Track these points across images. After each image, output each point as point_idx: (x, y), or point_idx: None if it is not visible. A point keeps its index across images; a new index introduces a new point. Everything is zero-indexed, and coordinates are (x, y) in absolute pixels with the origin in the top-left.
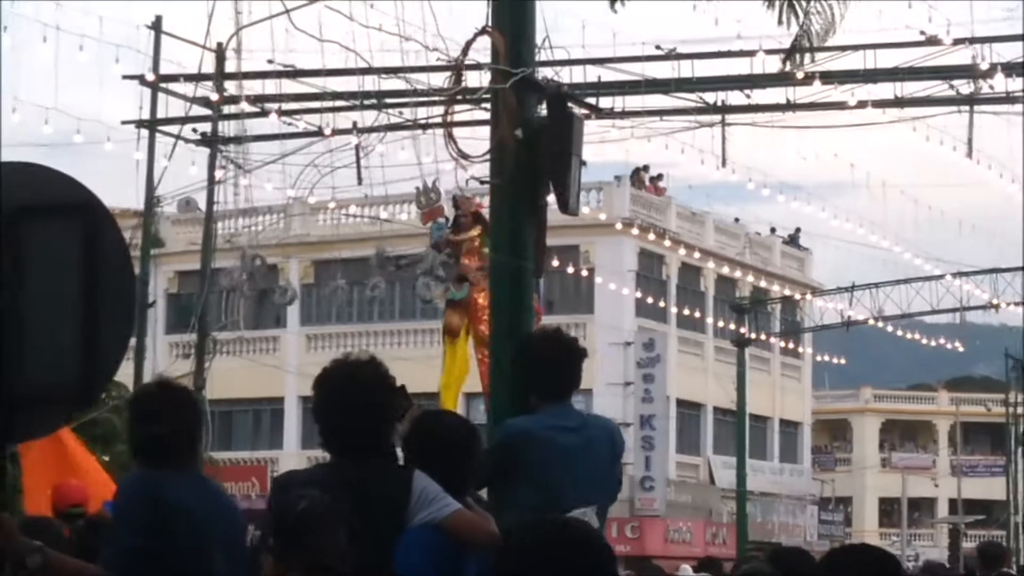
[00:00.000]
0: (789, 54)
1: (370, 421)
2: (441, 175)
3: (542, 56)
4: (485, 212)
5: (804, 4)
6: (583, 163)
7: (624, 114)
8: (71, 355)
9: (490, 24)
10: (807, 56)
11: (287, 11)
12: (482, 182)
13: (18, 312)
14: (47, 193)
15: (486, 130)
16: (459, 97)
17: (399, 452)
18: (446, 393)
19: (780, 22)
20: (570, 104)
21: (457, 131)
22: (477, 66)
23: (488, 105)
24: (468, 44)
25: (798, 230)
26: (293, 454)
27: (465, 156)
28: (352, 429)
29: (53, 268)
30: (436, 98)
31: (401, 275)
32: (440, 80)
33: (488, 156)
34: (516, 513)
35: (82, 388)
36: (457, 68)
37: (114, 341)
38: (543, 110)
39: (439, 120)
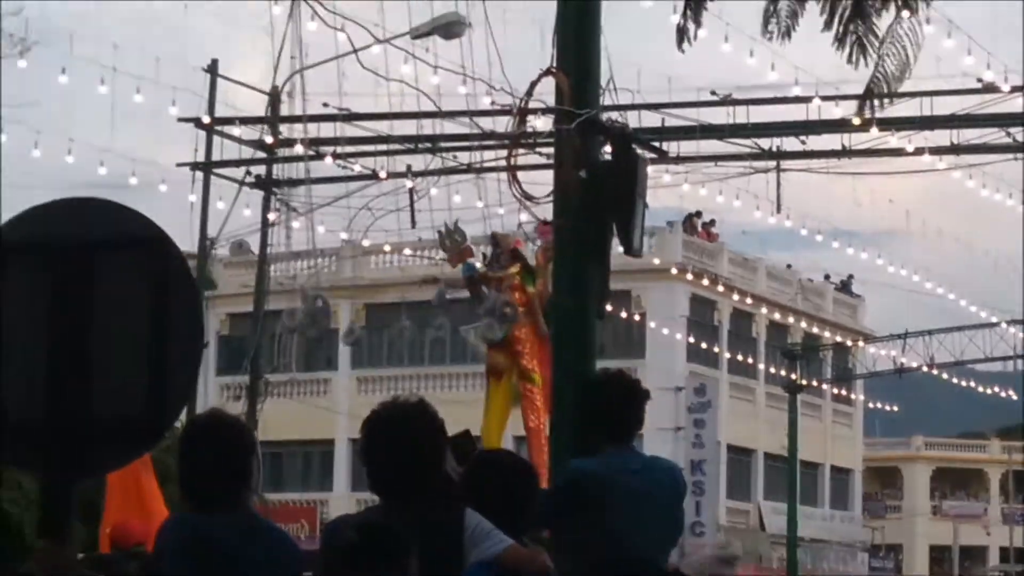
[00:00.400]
0: (863, 98)
1: (418, 462)
2: (500, 217)
3: (606, 98)
4: (522, 249)
5: (877, 44)
6: (646, 205)
7: (680, 159)
8: (140, 390)
9: (554, 65)
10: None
11: (348, 52)
12: (545, 223)
13: (88, 346)
14: (119, 229)
15: (547, 173)
16: (523, 139)
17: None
18: (490, 435)
19: (850, 61)
20: (635, 146)
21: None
22: (542, 109)
23: (546, 148)
24: (533, 85)
25: (851, 276)
26: (343, 496)
27: (529, 197)
28: (400, 471)
29: (124, 303)
30: (491, 142)
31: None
32: (493, 123)
33: (551, 197)
34: (579, 554)
35: (151, 423)
36: (522, 111)
37: (183, 377)
38: (607, 152)
39: (492, 164)
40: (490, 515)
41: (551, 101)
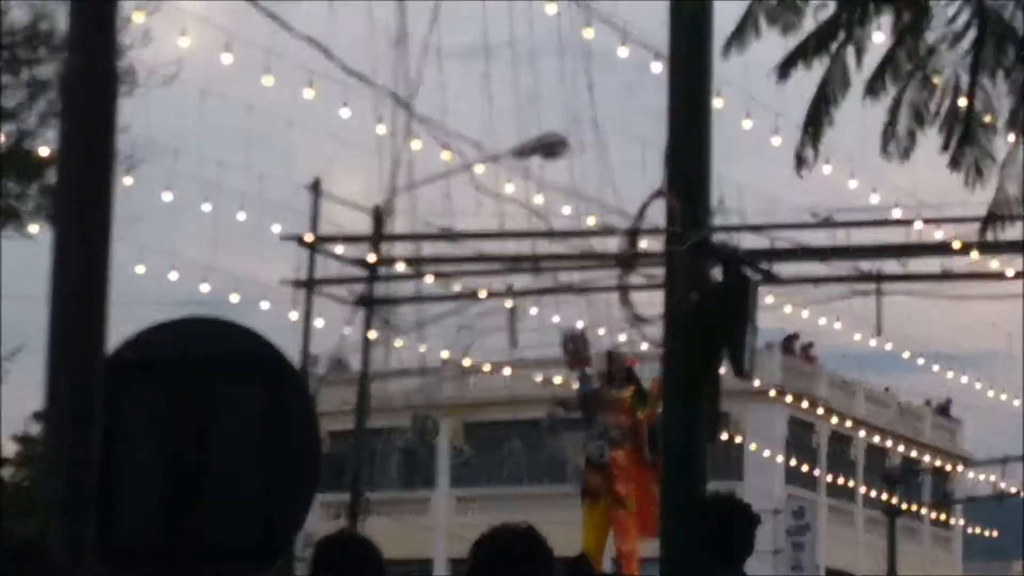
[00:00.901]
0: (987, 221)
1: None
2: (604, 338)
3: (717, 220)
4: (637, 370)
5: (994, 167)
6: (756, 329)
7: (781, 281)
8: (255, 510)
9: (664, 186)
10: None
11: (453, 171)
12: (657, 347)
13: (205, 466)
14: (236, 346)
15: (652, 294)
16: (634, 260)
17: None
18: (594, 559)
19: (966, 184)
20: (744, 269)
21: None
22: (654, 230)
23: (650, 269)
24: (644, 206)
25: (949, 400)
26: None
27: (641, 319)
28: None
29: (240, 420)
30: (593, 262)
31: (570, 437)
32: (604, 243)
33: (663, 319)
34: None
35: (265, 542)
36: (633, 231)
37: (298, 496)
38: (717, 274)
39: (597, 285)
40: None
41: (652, 221)
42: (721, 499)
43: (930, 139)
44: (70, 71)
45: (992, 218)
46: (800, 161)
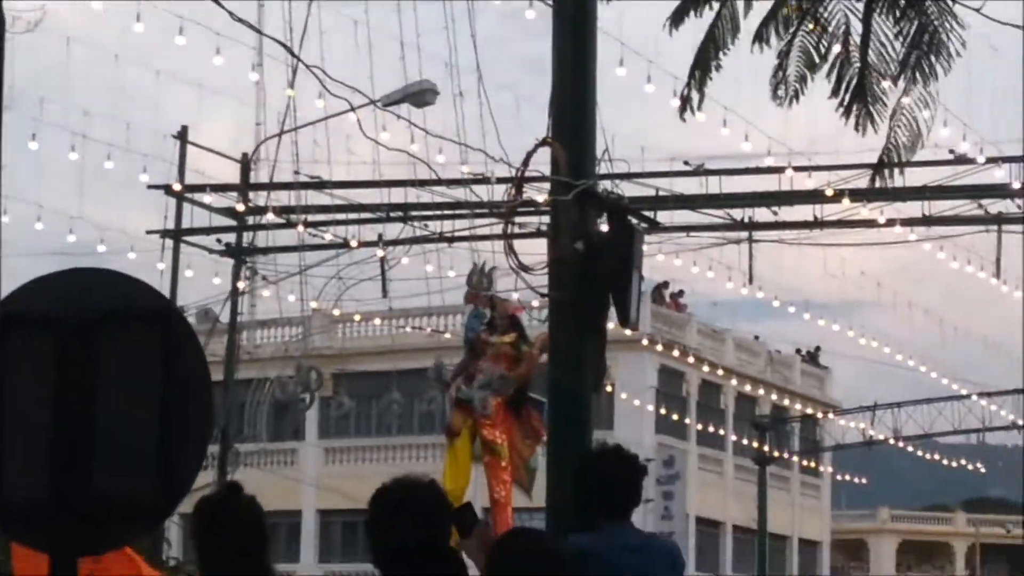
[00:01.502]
0: (876, 169)
1: (428, 539)
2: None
3: (601, 169)
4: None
5: (887, 113)
6: (642, 277)
7: (652, 229)
8: (148, 465)
9: (550, 135)
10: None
11: (320, 120)
12: (542, 295)
13: (94, 421)
14: (128, 301)
15: (533, 243)
16: (519, 209)
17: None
18: (454, 497)
19: (857, 129)
20: (630, 217)
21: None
22: (539, 178)
23: (525, 219)
24: (529, 155)
25: (818, 348)
26: (310, 567)
27: (525, 268)
28: (409, 550)
29: (131, 376)
30: (462, 212)
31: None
32: (488, 192)
33: (547, 269)
34: None
35: (160, 499)
36: (518, 180)
37: (191, 450)
38: (603, 223)
39: (470, 234)
40: None
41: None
42: (608, 450)
43: (817, 84)
44: None
45: (882, 165)
46: (685, 104)
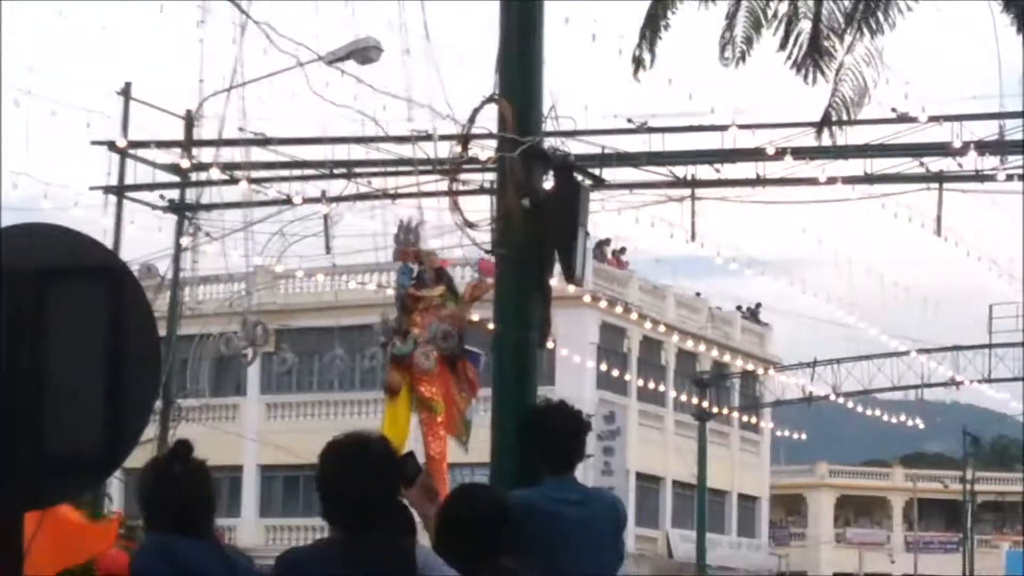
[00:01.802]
0: (821, 124)
1: (381, 496)
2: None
3: (548, 126)
4: (449, 270)
5: (834, 68)
6: (587, 234)
7: (595, 186)
8: (96, 420)
9: (497, 92)
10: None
11: (265, 76)
12: (487, 252)
13: (41, 376)
14: (72, 255)
15: (477, 200)
16: (464, 165)
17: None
18: None
19: (806, 81)
20: (576, 174)
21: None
22: (485, 135)
23: (470, 175)
24: (475, 112)
25: (759, 305)
26: (251, 522)
27: (470, 224)
28: (363, 504)
29: (78, 331)
30: (405, 168)
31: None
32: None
33: (492, 225)
34: None
35: (107, 453)
36: (465, 136)
37: (139, 406)
38: (549, 180)
39: (412, 191)
40: (465, 550)
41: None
42: (553, 406)
43: (762, 42)
44: None
45: (827, 120)
46: (638, 63)
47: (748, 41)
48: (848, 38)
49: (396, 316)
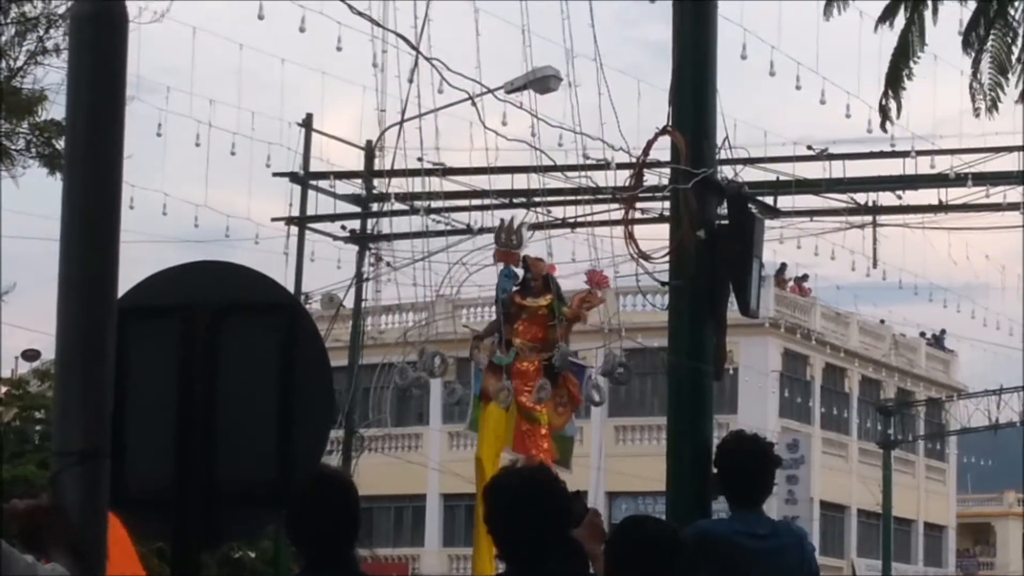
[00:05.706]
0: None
1: (554, 533)
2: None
3: (722, 155)
4: (556, 277)
5: None
6: (761, 264)
7: (776, 214)
8: (269, 455)
9: (670, 124)
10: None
11: (445, 106)
12: (662, 284)
13: (216, 412)
14: (248, 292)
15: (654, 228)
16: (639, 196)
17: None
18: (486, 465)
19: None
20: (750, 204)
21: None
22: (658, 162)
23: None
24: (650, 144)
25: (943, 331)
26: (434, 552)
27: (646, 256)
28: (530, 538)
29: (252, 367)
30: (583, 197)
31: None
32: (606, 178)
33: (667, 257)
34: None
35: (280, 489)
36: (639, 166)
37: (312, 441)
38: (722, 211)
39: (591, 220)
40: None
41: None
42: (745, 439)
43: (946, 66)
44: (80, 11)
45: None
46: (884, 114)
47: (996, 87)
48: None
49: (494, 320)
